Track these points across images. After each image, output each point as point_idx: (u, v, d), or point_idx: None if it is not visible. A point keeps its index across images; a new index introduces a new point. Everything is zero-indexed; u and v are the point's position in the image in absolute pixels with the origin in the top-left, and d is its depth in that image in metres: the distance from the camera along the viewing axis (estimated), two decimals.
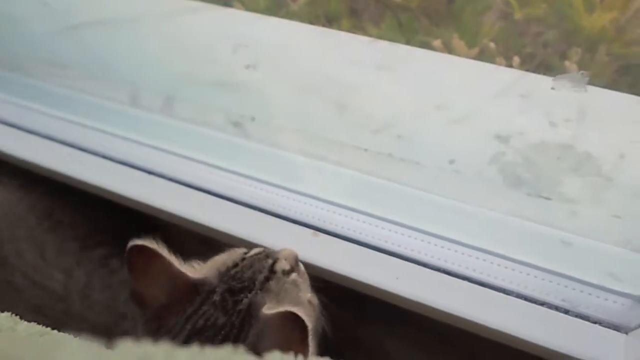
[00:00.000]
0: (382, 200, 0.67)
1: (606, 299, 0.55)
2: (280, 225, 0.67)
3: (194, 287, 0.57)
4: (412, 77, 0.79)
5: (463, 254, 0.61)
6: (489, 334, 0.57)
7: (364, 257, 0.63)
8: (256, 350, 0.52)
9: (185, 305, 0.56)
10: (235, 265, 0.59)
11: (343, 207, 0.67)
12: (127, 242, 0.86)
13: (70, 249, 0.80)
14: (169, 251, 0.57)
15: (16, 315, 0.74)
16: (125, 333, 0.63)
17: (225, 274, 0.58)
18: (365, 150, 0.73)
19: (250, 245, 0.67)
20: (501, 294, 0.57)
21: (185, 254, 0.67)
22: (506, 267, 0.59)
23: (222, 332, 0.54)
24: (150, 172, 0.75)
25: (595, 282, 0.56)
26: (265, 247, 0.63)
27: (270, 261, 0.59)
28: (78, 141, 0.81)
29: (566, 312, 0.55)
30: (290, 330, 0.50)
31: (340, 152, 0.74)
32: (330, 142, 0.75)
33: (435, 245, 0.62)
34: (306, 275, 0.63)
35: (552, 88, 0.63)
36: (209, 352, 0.26)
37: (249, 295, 0.56)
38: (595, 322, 0.54)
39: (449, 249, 0.61)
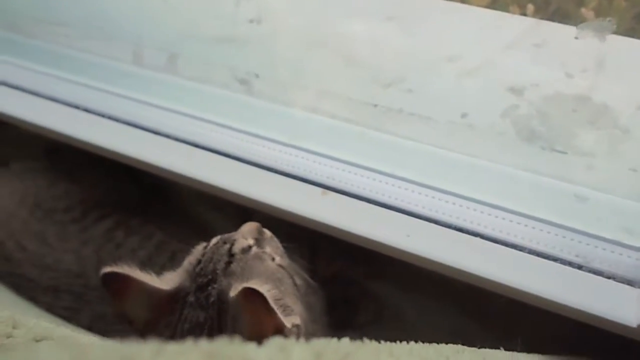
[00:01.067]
0: (392, 157, 0.66)
1: (620, 254, 0.54)
2: (288, 184, 0.66)
3: (173, 297, 0.58)
4: (422, 27, 0.76)
5: (475, 210, 0.60)
6: (501, 290, 0.57)
7: (374, 215, 0.62)
8: (237, 333, 0.53)
9: (169, 316, 0.58)
10: (198, 262, 0.60)
11: (352, 164, 0.66)
12: (126, 208, 0.87)
13: (71, 232, 0.81)
14: (141, 270, 0.58)
15: (34, 300, 0.76)
16: (83, 325, 0.64)
17: (192, 274, 0.59)
18: (375, 105, 0.71)
19: (257, 204, 0.67)
20: (513, 250, 0.57)
21: (191, 218, 0.67)
22: (519, 223, 0.58)
23: (206, 327, 0.56)
24: (155, 132, 0.74)
25: (609, 237, 0.55)
26: (222, 235, 0.63)
27: (227, 246, 0.60)
28: (81, 101, 0.80)
29: (579, 267, 0.54)
30: (252, 304, 0.51)
31: (349, 108, 0.72)
32: (339, 98, 0.73)
33: (447, 202, 0.61)
34: (274, 240, 0.65)
35: (576, 37, 0.60)
36: (203, 345, 0.26)
37: (215, 286, 0.57)
38: (608, 277, 0.53)
39: (460, 206, 0.61)
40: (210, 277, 0.58)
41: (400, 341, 0.76)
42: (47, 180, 0.87)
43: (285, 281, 0.60)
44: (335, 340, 0.32)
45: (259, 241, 0.63)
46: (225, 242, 0.61)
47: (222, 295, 0.56)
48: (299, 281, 0.63)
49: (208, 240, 0.64)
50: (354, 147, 0.67)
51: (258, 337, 0.51)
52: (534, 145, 0.65)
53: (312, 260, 0.84)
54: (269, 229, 0.78)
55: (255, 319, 0.52)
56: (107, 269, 0.56)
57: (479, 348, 0.52)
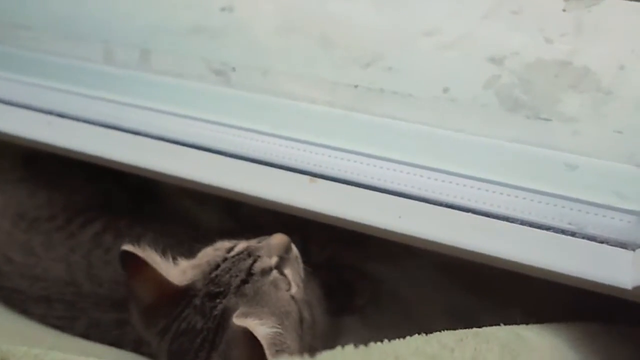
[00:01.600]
0: (378, 138, 0.65)
1: (612, 218, 0.54)
2: (275, 175, 0.65)
3: (181, 293, 0.58)
4: (397, 3, 0.75)
5: (465, 185, 0.59)
6: (496, 263, 0.57)
7: (364, 198, 0.61)
8: (227, 357, 0.52)
9: (172, 308, 0.58)
10: (217, 266, 0.59)
11: (338, 149, 0.65)
12: (112, 211, 0.85)
13: (57, 240, 0.79)
14: (159, 255, 0.59)
15: (26, 312, 0.74)
16: (80, 334, 0.63)
17: (207, 277, 0.58)
18: (356, 86, 0.70)
19: (245, 197, 0.66)
20: (506, 223, 0.57)
21: (178, 214, 0.66)
22: (509, 195, 0.58)
23: (200, 336, 0.56)
24: (133, 132, 0.72)
25: (600, 202, 0.55)
26: (250, 243, 0.62)
27: (249, 262, 0.59)
28: (53, 106, 0.77)
29: (573, 234, 0.54)
30: (248, 345, 0.50)
31: (330, 91, 0.71)
32: (318, 82, 0.72)
33: (436, 179, 0.61)
34: (298, 262, 0.64)
35: (564, 10, 0.59)
36: None
37: (224, 301, 0.56)
38: (602, 242, 0.53)
39: (450, 182, 0.60)
40: (222, 289, 0.57)
41: (398, 322, 0.77)
42: (28, 190, 0.85)
43: (292, 315, 0.59)
44: None
45: (282, 260, 0.62)
46: (249, 255, 0.60)
47: (226, 313, 0.55)
48: (306, 314, 0.62)
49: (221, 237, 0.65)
50: (338, 132, 0.66)
51: None
52: (519, 115, 0.65)
53: (305, 246, 0.84)
54: (258, 219, 0.77)
55: (247, 358, 0.51)
56: (128, 247, 0.57)
57: (479, 327, 0.51)
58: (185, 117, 0.72)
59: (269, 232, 0.65)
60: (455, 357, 0.29)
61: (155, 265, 0.57)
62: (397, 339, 0.33)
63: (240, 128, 0.69)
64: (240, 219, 0.84)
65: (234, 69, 0.75)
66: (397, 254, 0.83)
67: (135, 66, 0.80)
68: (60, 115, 0.76)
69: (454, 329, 0.74)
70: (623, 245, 0.53)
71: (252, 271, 0.58)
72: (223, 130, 0.70)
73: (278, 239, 0.62)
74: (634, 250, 0.52)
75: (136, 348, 0.69)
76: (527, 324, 0.53)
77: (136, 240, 0.80)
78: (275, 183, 0.64)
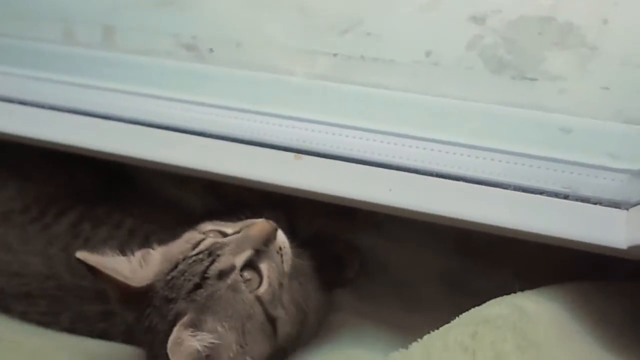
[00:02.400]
0: (362, 109, 0.63)
1: (604, 178, 0.54)
2: (258, 153, 0.63)
3: (142, 292, 0.57)
4: None
5: (455, 153, 0.58)
6: (490, 230, 0.56)
7: (353, 173, 0.60)
8: None
9: (138, 305, 0.57)
10: (175, 266, 0.57)
11: (323, 123, 0.62)
12: (88, 199, 0.81)
13: (33, 233, 0.75)
14: (117, 254, 0.58)
15: (7, 310, 0.71)
16: (63, 328, 0.61)
17: (164, 278, 0.57)
18: (335, 55, 0.67)
19: (228, 179, 0.63)
20: (499, 189, 0.56)
21: (159, 198, 0.64)
22: (500, 161, 0.57)
23: (160, 337, 0.54)
24: (102, 116, 0.68)
25: (593, 162, 0.54)
26: (218, 239, 0.58)
27: (206, 263, 0.56)
28: (13, 93, 0.73)
29: (566, 197, 0.54)
30: (176, 356, 0.49)
31: (308, 61, 0.68)
32: (296, 53, 0.68)
33: (425, 149, 0.59)
34: (283, 252, 0.60)
35: None
36: None
37: (175, 307, 0.55)
38: (595, 203, 0.53)
39: (439, 151, 0.59)
40: (174, 295, 0.55)
41: (391, 292, 0.77)
42: None
43: (255, 318, 0.56)
44: None
45: (260, 254, 0.58)
46: (210, 255, 0.57)
47: (178, 318, 0.54)
48: (280, 312, 0.59)
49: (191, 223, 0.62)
50: (320, 104, 0.64)
51: None
52: (504, 76, 0.63)
53: (292, 222, 0.82)
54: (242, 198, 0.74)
55: None
56: (79, 255, 0.55)
57: (473, 292, 0.51)
58: (157, 97, 0.68)
59: (255, 212, 0.63)
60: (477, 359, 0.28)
61: (108, 272, 0.56)
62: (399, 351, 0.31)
63: (218, 106, 0.66)
64: (225, 199, 0.81)
65: (207, 41, 0.71)
66: (386, 223, 0.82)
67: (99, 45, 0.75)
68: (22, 103, 0.72)
69: (448, 295, 0.75)
70: (616, 205, 0.53)
71: (207, 275, 0.55)
72: (199, 110, 0.66)
73: (257, 229, 0.58)
74: (627, 209, 0.52)
75: (126, 339, 0.67)
76: (520, 286, 0.53)
77: (116, 227, 0.77)
78: (259, 162, 0.62)
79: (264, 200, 0.75)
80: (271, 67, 0.68)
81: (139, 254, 0.60)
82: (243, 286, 0.56)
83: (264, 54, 0.69)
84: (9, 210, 0.78)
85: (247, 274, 0.57)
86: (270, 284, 0.58)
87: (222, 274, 0.55)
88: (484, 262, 0.75)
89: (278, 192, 0.63)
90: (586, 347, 0.44)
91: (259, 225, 0.59)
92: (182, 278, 0.56)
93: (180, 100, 0.67)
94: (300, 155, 0.61)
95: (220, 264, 0.56)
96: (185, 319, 0.53)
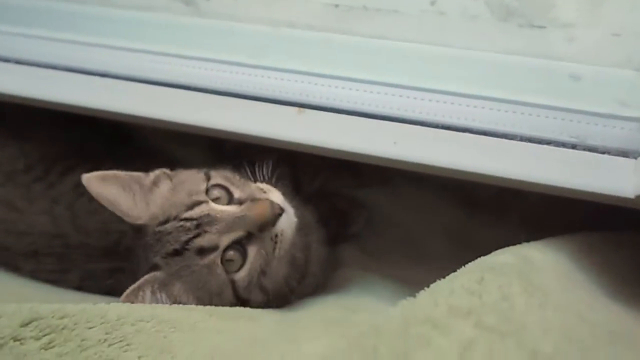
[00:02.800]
0: (365, 61, 0.61)
1: (614, 127, 0.53)
2: (260, 108, 0.62)
3: (137, 227, 0.59)
4: None
5: (461, 105, 0.57)
6: (497, 182, 0.56)
7: (357, 126, 0.59)
8: None
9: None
10: (165, 221, 0.58)
11: (325, 76, 0.61)
12: (91, 158, 0.82)
13: (37, 192, 0.75)
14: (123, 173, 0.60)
15: (16, 268, 0.72)
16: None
17: (153, 227, 0.58)
18: (337, 6, 0.65)
19: (230, 135, 0.62)
20: (505, 140, 0.55)
21: (161, 156, 0.63)
22: (507, 111, 0.56)
23: (139, 275, 0.57)
24: (99, 74, 0.67)
25: (602, 111, 0.53)
26: (212, 211, 0.57)
27: (190, 235, 0.56)
28: (9, 53, 0.71)
29: (574, 147, 0.53)
30: None
31: (309, 12, 0.66)
32: (296, 3, 0.66)
33: (430, 100, 0.58)
34: (279, 240, 0.58)
35: None
36: None
37: (154, 259, 0.57)
38: (604, 153, 0.52)
39: (444, 102, 0.57)
40: (156, 249, 0.57)
41: (396, 246, 0.77)
42: None
43: (225, 296, 0.57)
44: None
45: (251, 237, 0.57)
46: (197, 227, 0.56)
47: (152, 270, 0.56)
48: (257, 296, 0.59)
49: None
50: (322, 57, 0.62)
51: None
52: (512, 24, 0.61)
53: (295, 177, 0.82)
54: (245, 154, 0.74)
55: None
56: (84, 178, 0.58)
57: (478, 245, 0.51)
58: (155, 53, 0.67)
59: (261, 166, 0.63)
60: (485, 303, 0.28)
61: (106, 204, 0.58)
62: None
63: (218, 61, 0.64)
64: (227, 156, 0.81)
65: None
66: (390, 178, 0.82)
67: (93, 0, 0.72)
68: (18, 62, 0.70)
69: (454, 248, 0.75)
70: (625, 154, 0.52)
71: (187, 247, 0.56)
72: (198, 65, 0.65)
73: (257, 213, 0.56)
74: (635, 158, 0.51)
75: None
76: (527, 238, 0.53)
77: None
78: (261, 117, 0.61)
79: (267, 157, 0.75)
80: (270, 19, 0.66)
81: (152, 175, 0.62)
82: (219, 269, 0.56)
83: (262, 5, 0.67)
84: (12, 170, 0.77)
85: (232, 253, 0.56)
86: (250, 272, 0.57)
87: (202, 251, 0.56)
88: (489, 216, 0.75)
89: (281, 147, 0.62)
90: (591, 294, 0.45)
91: (260, 208, 0.57)
92: (166, 238, 0.57)
93: (178, 56, 0.66)
94: (302, 109, 0.60)
95: (204, 240, 0.56)
96: (151, 275, 0.55)
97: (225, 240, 0.56)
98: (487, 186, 0.59)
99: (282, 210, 0.58)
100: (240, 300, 0.58)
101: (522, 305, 0.29)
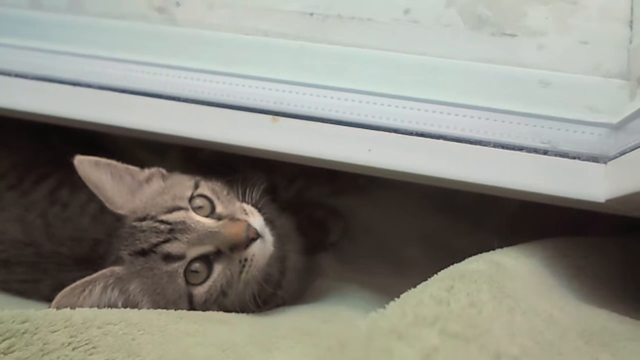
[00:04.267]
0: (339, 69, 0.61)
1: (583, 132, 0.53)
2: (234, 117, 0.62)
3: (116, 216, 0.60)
4: None
5: (434, 112, 0.57)
6: (470, 188, 0.56)
7: (331, 134, 0.59)
8: None
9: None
10: (143, 218, 0.58)
11: (299, 84, 0.61)
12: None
13: (10, 200, 0.74)
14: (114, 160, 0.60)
15: None
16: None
17: (131, 221, 0.58)
18: (311, 14, 0.65)
19: (204, 143, 0.62)
20: (478, 147, 0.55)
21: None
22: (480, 118, 0.56)
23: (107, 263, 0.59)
24: (72, 83, 0.66)
25: (572, 117, 0.54)
26: (188, 219, 0.57)
27: (160, 239, 0.55)
28: None
29: (545, 152, 0.54)
30: None
31: (284, 21, 0.66)
32: (270, 12, 0.66)
33: (404, 107, 0.58)
34: (248, 264, 0.57)
35: None
36: None
37: (120, 253, 0.57)
38: (574, 158, 0.53)
39: (418, 110, 0.58)
40: (126, 243, 0.57)
41: (373, 254, 0.77)
42: None
43: (180, 306, 0.56)
44: None
45: (219, 255, 0.56)
46: (169, 232, 0.55)
47: (115, 262, 0.57)
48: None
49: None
50: (297, 65, 0.62)
51: None
52: (484, 32, 0.62)
53: (270, 185, 0.82)
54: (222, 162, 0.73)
55: None
56: (76, 160, 0.59)
57: (453, 251, 0.51)
58: (129, 62, 0.66)
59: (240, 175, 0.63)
60: (453, 310, 0.28)
61: (99, 183, 0.59)
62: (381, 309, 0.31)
63: (192, 69, 0.64)
64: (203, 165, 0.80)
65: (177, 4, 0.68)
66: (368, 187, 0.82)
67: (66, 9, 0.72)
68: None
69: (430, 256, 0.75)
70: (595, 159, 0.53)
71: (155, 250, 0.55)
72: (173, 73, 0.64)
73: (230, 233, 0.55)
74: (605, 163, 0.52)
75: None
76: (500, 245, 0.53)
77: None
78: (236, 125, 0.61)
79: (243, 164, 0.74)
80: (245, 28, 0.66)
81: (148, 171, 0.63)
82: (180, 279, 0.55)
83: (236, 14, 0.67)
84: None
85: (197, 265, 0.56)
86: (210, 289, 0.56)
87: (168, 258, 0.55)
88: (466, 222, 0.76)
89: (256, 155, 0.62)
90: (563, 298, 0.45)
91: (235, 228, 0.56)
92: (138, 235, 0.56)
93: (152, 64, 0.65)
94: (277, 117, 0.60)
95: (172, 247, 0.55)
96: (109, 270, 0.55)
97: (193, 252, 0.55)
98: (464, 193, 0.60)
99: (257, 236, 0.57)
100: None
101: (489, 310, 0.29)
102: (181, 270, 0.55)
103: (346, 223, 0.82)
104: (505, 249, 0.52)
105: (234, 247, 0.56)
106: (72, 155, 0.83)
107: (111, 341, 0.40)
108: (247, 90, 0.62)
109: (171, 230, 0.55)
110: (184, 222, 0.56)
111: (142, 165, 0.64)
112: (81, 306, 0.51)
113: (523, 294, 0.35)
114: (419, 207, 0.79)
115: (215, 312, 0.55)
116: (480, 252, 0.50)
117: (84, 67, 0.66)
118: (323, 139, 0.58)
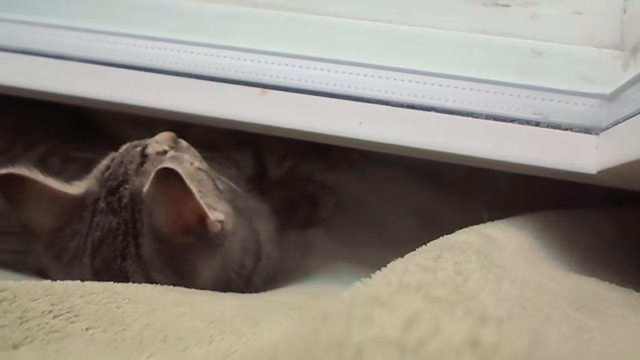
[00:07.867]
0: (330, 40, 0.60)
1: (576, 103, 0.53)
2: (223, 90, 0.60)
3: (80, 203, 0.56)
4: None
5: (425, 83, 0.56)
6: (462, 160, 0.55)
7: (321, 107, 0.58)
8: (156, 229, 0.51)
9: (77, 224, 0.56)
10: (107, 167, 0.57)
11: (289, 56, 0.59)
12: (57, 135, 0.78)
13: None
14: (44, 174, 0.55)
15: None
16: (32, 269, 0.61)
17: (102, 179, 0.56)
18: None
19: (192, 117, 0.61)
20: (470, 118, 0.54)
21: (125, 141, 0.61)
22: (471, 89, 0.55)
23: (120, 232, 0.54)
24: (56, 56, 0.64)
25: (565, 87, 0.53)
26: (131, 142, 0.60)
27: (139, 149, 0.57)
28: None
29: (537, 124, 0.53)
30: (168, 186, 0.49)
31: None
32: None
33: (395, 79, 0.57)
34: (191, 149, 0.61)
35: None
36: None
37: (127, 186, 0.55)
38: (566, 129, 0.52)
39: (410, 81, 0.57)
40: (121, 178, 0.55)
41: (365, 229, 0.77)
42: None
43: (205, 183, 0.57)
44: None
45: (175, 149, 0.59)
46: (136, 146, 0.58)
47: (135, 195, 0.54)
48: (221, 185, 0.60)
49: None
50: (286, 37, 0.61)
51: (179, 225, 0.51)
52: (476, 3, 0.61)
53: (262, 162, 0.81)
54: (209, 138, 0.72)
55: (172, 204, 0.50)
56: (3, 171, 0.53)
57: (445, 225, 0.51)
58: (113, 34, 0.64)
59: (222, 150, 0.62)
60: (438, 278, 0.27)
61: (43, 181, 0.55)
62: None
63: (179, 42, 0.62)
64: (191, 140, 0.79)
65: None
66: (359, 161, 0.81)
67: None
68: None
69: (422, 230, 0.75)
70: (587, 130, 0.52)
71: (146, 153, 0.57)
72: (159, 46, 0.63)
73: (162, 135, 0.60)
74: (597, 134, 0.52)
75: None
76: (491, 218, 0.53)
77: (86, 165, 0.75)
78: (224, 99, 0.60)
79: (231, 141, 0.73)
80: None
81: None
82: (184, 158, 0.58)
83: None
84: None
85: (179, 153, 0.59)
86: (200, 162, 0.60)
87: (160, 153, 0.58)
88: (458, 197, 0.75)
89: (245, 129, 0.61)
90: (553, 269, 0.45)
91: (163, 133, 0.60)
92: (123, 165, 0.56)
93: (138, 37, 0.63)
94: (266, 90, 0.59)
95: (153, 147, 0.58)
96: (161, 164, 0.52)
97: (165, 146, 0.59)
98: (456, 167, 0.59)
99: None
100: (216, 187, 0.60)
101: (476, 279, 0.28)
102: (178, 154, 0.59)
103: (337, 198, 0.81)
104: (495, 222, 0.51)
105: (174, 141, 0.61)
106: (66, 127, 0.82)
107: (94, 309, 0.39)
108: (235, 62, 0.61)
109: (136, 145, 0.59)
110: (132, 142, 0.60)
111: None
112: None
113: (512, 265, 0.35)
114: (411, 182, 0.79)
115: None
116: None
117: (65, 39, 0.65)
118: (313, 112, 0.58)
